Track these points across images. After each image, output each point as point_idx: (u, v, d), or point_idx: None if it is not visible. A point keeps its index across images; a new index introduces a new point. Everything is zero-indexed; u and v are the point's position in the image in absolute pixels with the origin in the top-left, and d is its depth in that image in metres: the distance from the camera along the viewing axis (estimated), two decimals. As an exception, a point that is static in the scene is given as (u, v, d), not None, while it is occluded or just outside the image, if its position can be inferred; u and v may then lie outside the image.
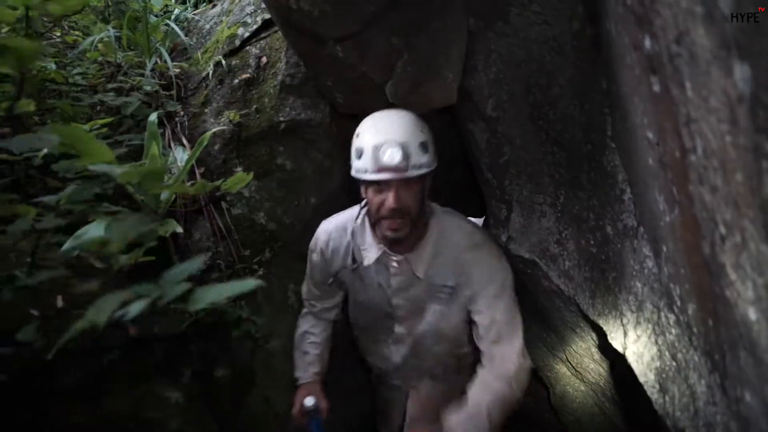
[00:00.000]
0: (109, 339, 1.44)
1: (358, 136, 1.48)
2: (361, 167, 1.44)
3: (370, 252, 1.62)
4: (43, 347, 1.29)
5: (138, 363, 1.56)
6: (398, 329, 1.75)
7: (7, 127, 1.84)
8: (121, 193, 1.70)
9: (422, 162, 1.44)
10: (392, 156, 1.37)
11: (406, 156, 1.38)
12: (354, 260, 1.68)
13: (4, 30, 1.87)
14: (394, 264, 1.61)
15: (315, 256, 1.78)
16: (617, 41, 1.25)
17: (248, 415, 1.96)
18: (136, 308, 0.64)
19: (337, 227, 1.73)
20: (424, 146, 1.45)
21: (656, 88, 0.95)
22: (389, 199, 1.42)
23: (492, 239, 1.70)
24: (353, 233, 1.68)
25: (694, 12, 0.65)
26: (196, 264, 0.82)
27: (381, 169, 1.40)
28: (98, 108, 2.09)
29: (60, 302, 1.42)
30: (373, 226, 1.58)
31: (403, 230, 1.47)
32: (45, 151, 1.67)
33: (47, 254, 1.57)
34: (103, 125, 1.79)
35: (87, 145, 1.02)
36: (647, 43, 0.92)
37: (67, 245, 1.50)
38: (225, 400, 1.91)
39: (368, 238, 1.64)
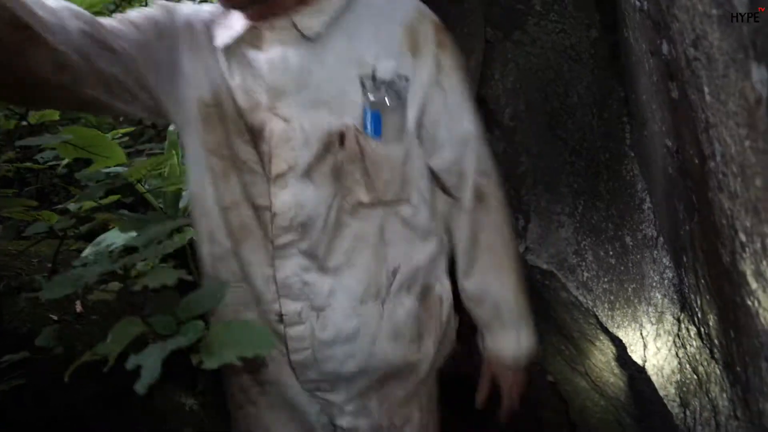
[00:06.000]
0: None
1: None
2: None
3: (231, 24, 0.74)
4: (62, 355, 1.31)
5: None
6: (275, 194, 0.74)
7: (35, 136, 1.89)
8: (140, 202, 1.72)
9: None
10: None
11: None
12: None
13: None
14: (267, 34, 0.72)
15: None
16: (635, 48, 1.24)
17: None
18: (149, 366, 0.48)
19: None
20: None
21: (674, 94, 0.93)
22: None
23: None
24: None
25: (711, 14, 0.64)
26: (220, 291, 0.61)
27: None
28: (121, 118, 2.13)
29: (79, 307, 1.44)
30: None
31: None
32: (67, 160, 1.70)
33: (68, 260, 1.60)
34: (124, 134, 1.82)
35: (101, 147, 1.01)
36: (665, 48, 0.91)
37: (87, 251, 1.52)
38: (240, 408, 1.90)
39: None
